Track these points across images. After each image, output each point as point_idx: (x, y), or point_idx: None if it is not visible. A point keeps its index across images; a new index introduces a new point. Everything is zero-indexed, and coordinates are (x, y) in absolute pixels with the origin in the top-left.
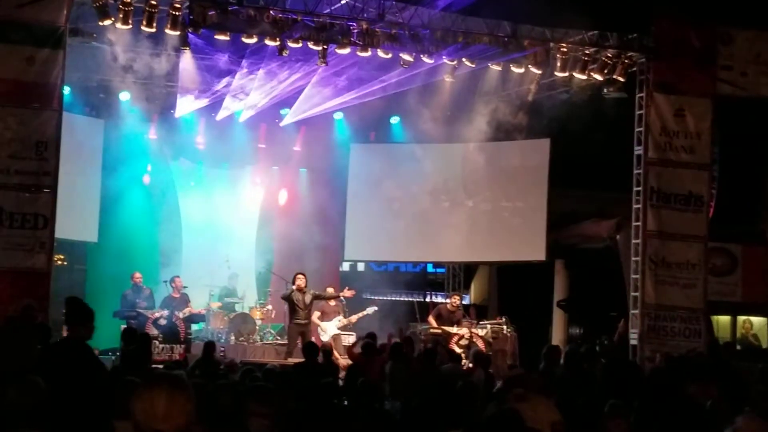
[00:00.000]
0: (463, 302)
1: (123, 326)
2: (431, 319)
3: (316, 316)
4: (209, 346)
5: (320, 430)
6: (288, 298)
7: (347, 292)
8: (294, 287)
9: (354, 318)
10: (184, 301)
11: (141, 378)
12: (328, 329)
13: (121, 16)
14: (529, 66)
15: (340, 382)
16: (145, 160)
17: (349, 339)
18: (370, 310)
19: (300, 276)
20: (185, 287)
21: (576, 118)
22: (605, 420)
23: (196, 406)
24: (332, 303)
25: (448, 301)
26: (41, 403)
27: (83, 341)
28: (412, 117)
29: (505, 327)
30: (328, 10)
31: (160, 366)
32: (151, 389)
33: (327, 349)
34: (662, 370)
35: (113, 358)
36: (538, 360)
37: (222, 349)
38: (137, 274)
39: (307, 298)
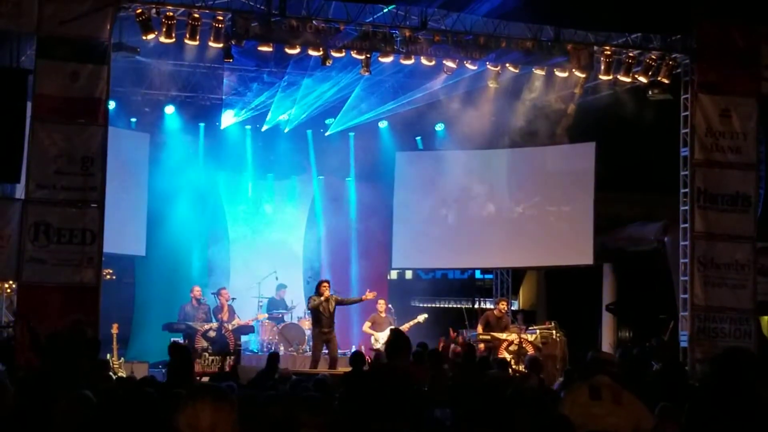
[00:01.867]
0: (512, 308)
1: (172, 339)
2: (480, 327)
3: (367, 326)
4: (273, 357)
5: None
6: (315, 308)
7: (369, 295)
8: (322, 298)
9: (405, 326)
10: (231, 312)
11: (187, 391)
12: (381, 338)
13: (164, 29)
14: (573, 70)
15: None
16: (190, 173)
17: None
18: (421, 318)
19: (325, 284)
20: (233, 299)
21: (621, 121)
22: (656, 423)
23: (247, 418)
24: (383, 314)
25: (495, 307)
26: (91, 417)
27: (400, 370)
28: (457, 124)
29: (554, 332)
30: (371, 19)
31: (210, 377)
32: (195, 402)
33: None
34: (715, 369)
35: (163, 371)
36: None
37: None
38: (197, 288)
39: (331, 306)
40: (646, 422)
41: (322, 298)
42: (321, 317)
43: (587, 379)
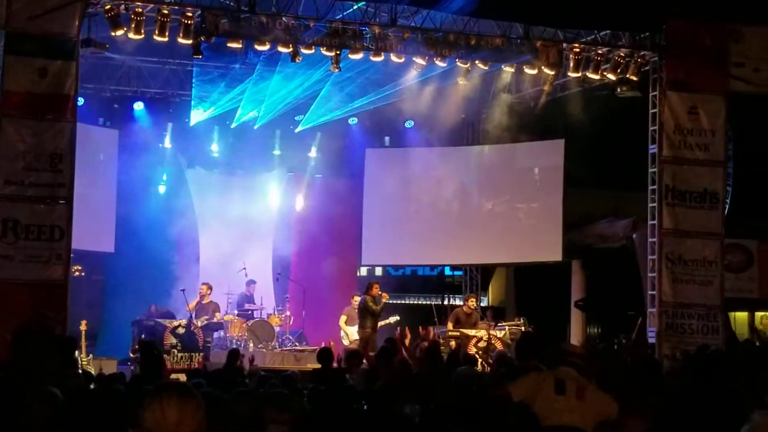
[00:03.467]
0: (481, 304)
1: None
2: (450, 324)
3: (342, 320)
4: (233, 353)
5: None
6: (379, 312)
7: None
8: (384, 301)
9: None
10: (210, 308)
11: (153, 388)
12: (350, 334)
13: (133, 26)
14: (542, 67)
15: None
16: (160, 170)
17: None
18: (393, 319)
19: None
20: (201, 296)
21: (590, 118)
22: (623, 418)
23: (214, 414)
24: (356, 309)
25: (464, 304)
26: (59, 414)
27: (533, 369)
28: (427, 120)
29: (523, 328)
30: (341, 16)
31: (180, 375)
32: (161, 398)
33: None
34: (689, 366)
35: (132, 368)
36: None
37: (251, 356)
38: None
39: None
40: (610, 410)
41: (384, 302)
42: (376, 320)
43: (553, 369)
